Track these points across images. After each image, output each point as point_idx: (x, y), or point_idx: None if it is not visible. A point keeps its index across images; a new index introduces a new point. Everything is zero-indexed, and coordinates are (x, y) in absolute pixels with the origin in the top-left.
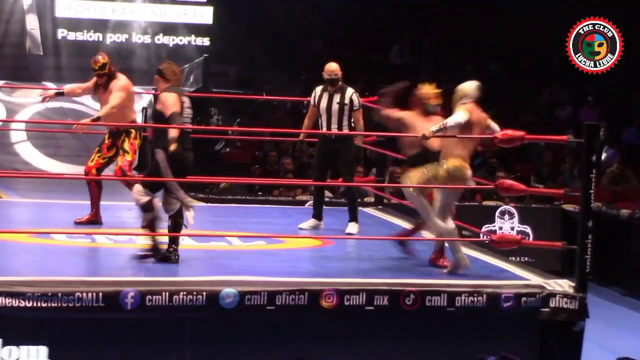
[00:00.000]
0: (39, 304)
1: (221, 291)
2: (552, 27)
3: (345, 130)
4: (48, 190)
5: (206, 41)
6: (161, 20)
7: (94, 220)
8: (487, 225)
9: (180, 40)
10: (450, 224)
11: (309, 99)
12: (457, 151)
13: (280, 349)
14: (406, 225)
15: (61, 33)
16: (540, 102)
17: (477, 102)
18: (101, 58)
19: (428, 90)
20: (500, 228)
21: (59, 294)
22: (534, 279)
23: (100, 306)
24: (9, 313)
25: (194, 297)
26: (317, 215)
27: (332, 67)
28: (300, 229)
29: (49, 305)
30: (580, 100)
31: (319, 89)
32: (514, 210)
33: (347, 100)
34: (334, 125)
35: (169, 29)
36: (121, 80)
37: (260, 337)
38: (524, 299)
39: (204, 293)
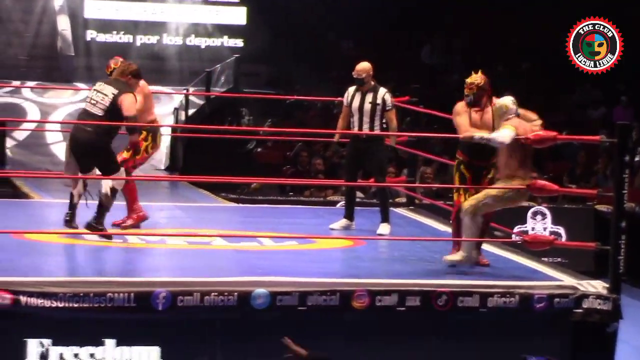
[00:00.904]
0: (70, 305)
1: (253, 292)
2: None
3: (377, 130)
4: None
5: (239, 42)
6: (193, 21)
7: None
8: (519, 226)
9: (213, 41)
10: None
11: (340, 98)
12: (508, 165)
13: (312, 350)
14: (440, 226)
15: (90, 34)
16: (572, 101)
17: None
18: (113, 63)
19: (468, 79)
20: (533, 229)
21: (91, 295)
22: (567, 279)
23: (132, 307)
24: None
25: (226, 297)
26: (349, 215)
27: (359, 67)
28: (331, 229)
29: (81, 305)
30: (613, 99)
31: (351, 89)
32: (546, 211)
33: (379, 100)
34: (366, 125)
35: (201, 30)
36: None
37: (291, 338)
38: (556, 299)
39: (236, 294)
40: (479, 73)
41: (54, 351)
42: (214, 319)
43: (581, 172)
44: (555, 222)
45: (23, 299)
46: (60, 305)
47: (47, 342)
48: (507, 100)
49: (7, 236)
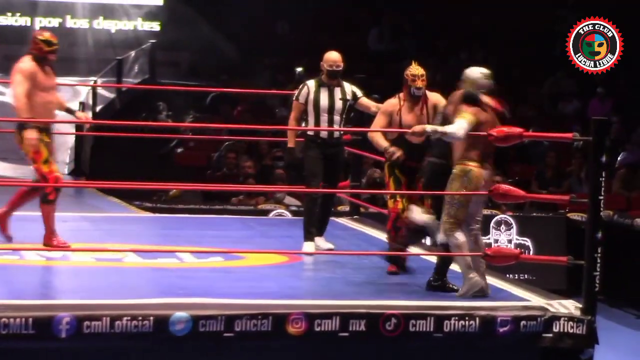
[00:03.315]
0: None
1: (171, 315)
2: (556, 7)
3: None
4: None
5: (155, 26)
6: (102, 1)
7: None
8: None
9: (125, 24)
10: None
11: (276, 91)
12: (465, 154)
13: None
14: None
15: None
16: (542, 93)
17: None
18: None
19: (417, 71)
20: (496, 241)
21: None
22: (535, 299)
23: (30, 334)
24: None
25: (140, 322)
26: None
27: (335, 56)
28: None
29: None
30: (589, 91)
31: (312, 83)
32: (511, 220)
33: (349, 95)
34: (337, 125)
35: (111, 11)
36: None
37: None
38: (523, 322)
39: (151, 318)
40: (415, 64)
41: None
42: (127, 348)
43: (551, 175)
44: (521, 233)
45: None
46: None
47: None
48: (475, 74)
49: None
